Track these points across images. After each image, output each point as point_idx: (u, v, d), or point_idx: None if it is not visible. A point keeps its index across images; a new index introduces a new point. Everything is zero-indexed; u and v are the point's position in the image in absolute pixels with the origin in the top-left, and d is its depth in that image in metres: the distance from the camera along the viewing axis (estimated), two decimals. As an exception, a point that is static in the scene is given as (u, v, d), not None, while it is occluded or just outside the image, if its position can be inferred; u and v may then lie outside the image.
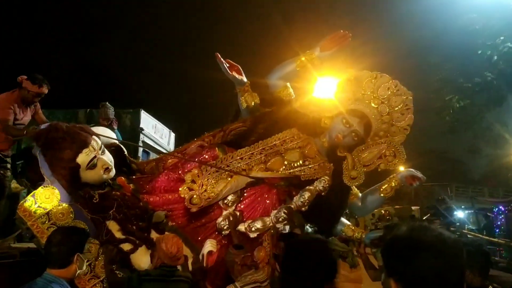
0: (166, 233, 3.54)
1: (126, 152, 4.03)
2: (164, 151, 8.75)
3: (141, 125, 8.20)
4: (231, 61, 3.84)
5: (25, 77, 4.98)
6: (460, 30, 12.44)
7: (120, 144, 3.99)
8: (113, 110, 5.69)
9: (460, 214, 13.42)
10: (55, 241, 2.73)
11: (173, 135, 10.43)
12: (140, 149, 7.37)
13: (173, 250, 3.27)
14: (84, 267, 2.84)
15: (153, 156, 7.49)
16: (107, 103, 5.50)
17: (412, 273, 1.43)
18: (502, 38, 11.42)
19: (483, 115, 13.86)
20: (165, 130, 9.94)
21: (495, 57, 11.63)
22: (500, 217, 13.83)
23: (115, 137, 4.05)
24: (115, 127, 5.75)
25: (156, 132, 9.17)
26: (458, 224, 13.01)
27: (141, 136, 8.07)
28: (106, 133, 3.96)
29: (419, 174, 4.21)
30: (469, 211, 15.11)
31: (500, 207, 13.92)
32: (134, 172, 4.01)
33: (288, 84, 4.25)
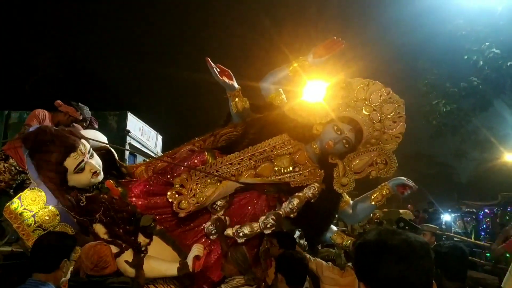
0: (89, 243, 3.15)
1: (116, 156, 4.03)
2: (152, 154, 8.66)
3: (128, 127, 8.09)
4: (222, 66, 3.83)
5: (61, 102, 5.25)
6: (447, 35, 12.55)
7: (110, 147, 3.99)
8: (87, 109, 5.56)
9: (447, 217, 13.38)
10: (45, 244, 2.70)
11: (160, 137, 10.32)
12: (127, 152, 7.32)
13: (93, 260, 2.92)
14: (69, 275, 2.79)
15: (140, 159, 7.43)
16: (79, 103, 5.43)
17: (379, 277, 1.44)
18: (487, 43, 11.50)
19: (469, 120, 13.95)
20: (152, 132, 9.83)
21: (481, 62, 11.72)
22: (486, 220, 13.86)
23: (106, 140, 4.05)
24: (96, 126, 5.69)
25: (143, 135, 9.05)
26: (444, 227, 13.09)
27: (128, 138, 7.92)
28: (97, 137, 3.97)
29: (410, 183, 4.20)
30: (456, 214, 15.11)
31: (486, 210, 13.93)
32: (124, 175, 4.02)
33: (280, 90, 4.25)
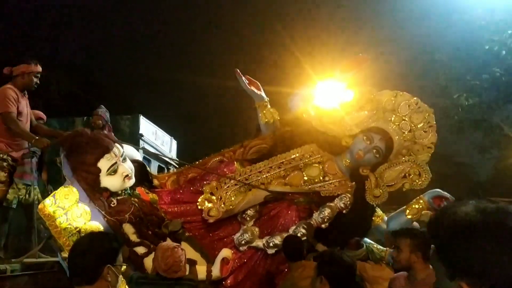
0: (166, 242, 3.34)
1: (148, 168, 4.12)
2: (168, 159, 8.29)
3: (141, 131, 7.84)
4: (250, 77, 3.98)
5: (8, 68, 4.48)
6: (465, 26, 12.16)
7: (142, 161, 4.09)
8: (108, 113, 5.46)
9: None
10: (80, 249, 2.17)
11: (174, 142, 9.97)
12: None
13: (168, 262, 3.00)
14: (119, 284, 2.22)
15: (154, 164, 7.22)
16: (101, 105, 5.36)
17: (499, 271, 1.04)
18: (510, 32, 11.12)
19: (492, 113, 13.15)
20: (166, 137, 9.46)
21: (504, 52, 11.27)
22: None
23: (138, 154, 4.16)
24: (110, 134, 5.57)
25: (156, 139, 8.73)
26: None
27: (141, 142, 7.60)
28: (132, 154, 4.10)
29: (447, 195, 4.05)
30: None
31: None
32: (156, 187, 4.07)
33: (308, 105, 4.32)
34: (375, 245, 4.16)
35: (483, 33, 11.70)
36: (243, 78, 3.91)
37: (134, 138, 7.58)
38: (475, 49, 12.14)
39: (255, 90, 3.95)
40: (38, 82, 4.57)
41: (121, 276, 2.16)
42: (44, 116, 5.20)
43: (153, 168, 6.70)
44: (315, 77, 4.26)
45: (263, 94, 4.01)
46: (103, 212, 3.35)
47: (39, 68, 4.57)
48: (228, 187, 3.81)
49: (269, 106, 4.03)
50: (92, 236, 2.35)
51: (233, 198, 3.76)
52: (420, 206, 4.11)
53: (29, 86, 4.51)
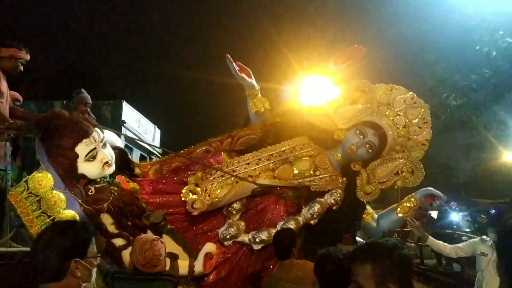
0: (145, 235, 3.06)
1: (130, 156, 3.90)
2: (152, 147, 7.90)
3: (123, 118, 7.50)
4: (241, 64, 3.78)
5: None
6: (456, 26, 12.05)
7: (123, 148, 3.87)
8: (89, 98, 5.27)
9: (454, 216, 12.44)
10: (41, 243, 1.88)
11: (158, 131, 9.63)
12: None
13: (147, 256, 2.71)
14: (93, 279, 1.96)
15: (136, 152, 6.92)
16: (81, 89, 5.10)
17: None
18: (501, 32, 10.98)
19: (480, 113, 13.10)
20: (150, 125, 9.13)
21: (494, 53, 11.17)
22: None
23: (120, 141, 3.94)
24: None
25: (139, 127, 8.39)
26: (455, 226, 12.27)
27: (123, 130, 7.24)
28: (113, 140, 3.87)
29: (439, 193, 3.95)
30: (464, 213, 14.20)
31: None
32: (137, 176, 3.85)
33: (300, 96, 4.15)
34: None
35: (473, 33, 11.66)
36: (234, 64, 3.71)
37: (116, 125, 7.23)
38: (465, 50, 12.12)
39: (246, 78, 3.76)
40: (22, 69, 4.37)
41: (95, 269, 1.92)
42: (21, 98, 4.91)
43: (135, 156, 6.40)
44: (302, 72, 4.08)
45: (254, 82, 3.82)
46: (79, 201, 3.13)
47: (28, 57, 4.41)
48: (214, 178, 3.62)
49: (260, 95, 3.84)
50: (55, 227, 2.05)
51: (219, 191, 3.57)
52: (412, 205, 4.03)
53: (13, 71, 4.32)
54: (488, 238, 4.61)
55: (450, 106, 12.17)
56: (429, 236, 4.39)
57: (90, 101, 5.46)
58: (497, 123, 13.90)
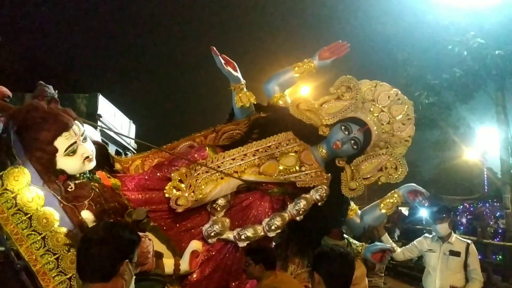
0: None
1: (110, 151, 3.75)
2: (126, 143, 7.62)
3: (99, 112, 7.24)
4: (226, 57, 3.70)
5: None
6: (428, 26, 12.35)
7: (103, 142, 3.72)
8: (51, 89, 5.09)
9: (423, 212, 12.86)
10: (96, 238, 1.81)
11: (133, 126, 9.39)
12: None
13: None
14: (133, 284, 1.92)
15: (112, 148, 6.70)
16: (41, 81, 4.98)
17: None
18: (472, 33, 11.30)
19: (449, 113, 13.60)
20: (125, 120, 8.89)
21: (465, 53, 11.52)
22: (465, 214, 13.51)
23: (99, 138, 3.78)
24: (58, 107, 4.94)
25: (115, 121, 8.12)
26: (424, 222, 12.72)
27: (99, 124, 6.98)
28: (90, 134, 3.71)
29: (422, 189, 3.99)
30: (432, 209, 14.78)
31: (465, 204, 13.60)
32: (118, 172, 3.71)
33: (285, 92, 4.11)
34: (351, 240, 4.04)
35: (445, 33, 11.94)
36: (219, 57, 3.62)
37: (91, 118, 6.94)
38: (437, 49, 12.41)
39: (232, 71, 3.68)
40: None
41: (134, 276, 1.90)
42: (9, 93, 4.64)
43: (110, 152, 6.12)
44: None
45: (239, 75, 3.74)
46: (58, 197, 2.96)
47: None
48: (198, 174, 3.52)
49: (245, 89, 3.77)
50: (110, 224, 2.01)
51: (203, 187, 3.47)
52: (395, 201, 4.05)
53: None
54: (433, 235, 4.72)
55: (421, 105, 12.44)
56: (385, 235, 4.44)
57: (51, 95, 5.21)
58: (464, 122, 14.36)
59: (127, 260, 1.80)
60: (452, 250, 4.55)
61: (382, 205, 4.04)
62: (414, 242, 4.93)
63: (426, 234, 4.83)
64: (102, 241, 1.77)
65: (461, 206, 14.21)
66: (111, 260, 1.76)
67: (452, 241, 4.62)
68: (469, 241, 4.68)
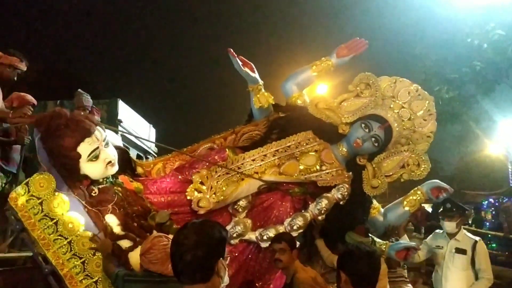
0: (153, 234, 2.95)
1: (131, 155, 3.79)
2: (147, 147, 7.73)
3: (120, 117, 7.33)
4: (244, 58, 3.70)
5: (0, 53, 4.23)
6: (447, 19, 12.02)
7: (124, 147, 3.77)
8: (89, 97, 5.13)
9: None
10: (189, 241, 1.79)
11: (153, 130, 9.47)
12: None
13: (155, 254, 2.60)
14: (226, 278, 1.96)
15: (133, 152, 6.78)
16: (80, 90, 5.05)
17: None
18: (492, 25, 10.98)
19: (470, 106, 13.24)
20: (145, 124, 8.94)
21: (485, 45, 11.18)
22: (491, 210, 13.18)
23: (119, 140, 3.83)
24: (98, 118, 5.00)
25: (135, 126, 8.18)
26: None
27: (120, 129, 7.06)
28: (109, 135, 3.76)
29: (445, 185, 3.91)
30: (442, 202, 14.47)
31: (490, 199, 13.26)
32: (139, 176, 3.75)
33: (304, 91, 4.09)
34: (375, 238, 4.00)
35: (464, 26, 11.68)
36: (237, 58, 3.63)
37: (112, 124, 7.04)
38: (456, 42, 12.14)
39: (249, 72, 3.68)
40: (15, 79, 4.36)
41: (226, 270, 1.93)
42: (34, 101, 4.74)
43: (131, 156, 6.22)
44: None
45: (257, 76, 3.74)
46: (83, 202, 3.04)
47: (25, 68, 4.42)
48: (219, 176, 3.54)
49: (263, 90, 3.77)
50: (200, 225, 1.95)
51: (224, 188, 3.49)
52: (418, 198, 3.98)
53: (8, 80, 4.28)
54: (441, 231, 4.57)
55: (442, 99, 12.18)
56: (404, 235, 4.31)
57: (84, 103, 5.32)
58: (486, 116, 14.04)
59: (221, 258, 1.82)
60: (458, 247, 4.37)
61: (405, 202, 3.98)
62: (425, 240, 4.78)
63: (437, 230, 4.67)
64: (196, 245, 1.76)
65: (486, 202, 13.89)
66: (207, 261, 1.78)
67: (459, 238, 4.44)
68: (477, 238, 4.47)
